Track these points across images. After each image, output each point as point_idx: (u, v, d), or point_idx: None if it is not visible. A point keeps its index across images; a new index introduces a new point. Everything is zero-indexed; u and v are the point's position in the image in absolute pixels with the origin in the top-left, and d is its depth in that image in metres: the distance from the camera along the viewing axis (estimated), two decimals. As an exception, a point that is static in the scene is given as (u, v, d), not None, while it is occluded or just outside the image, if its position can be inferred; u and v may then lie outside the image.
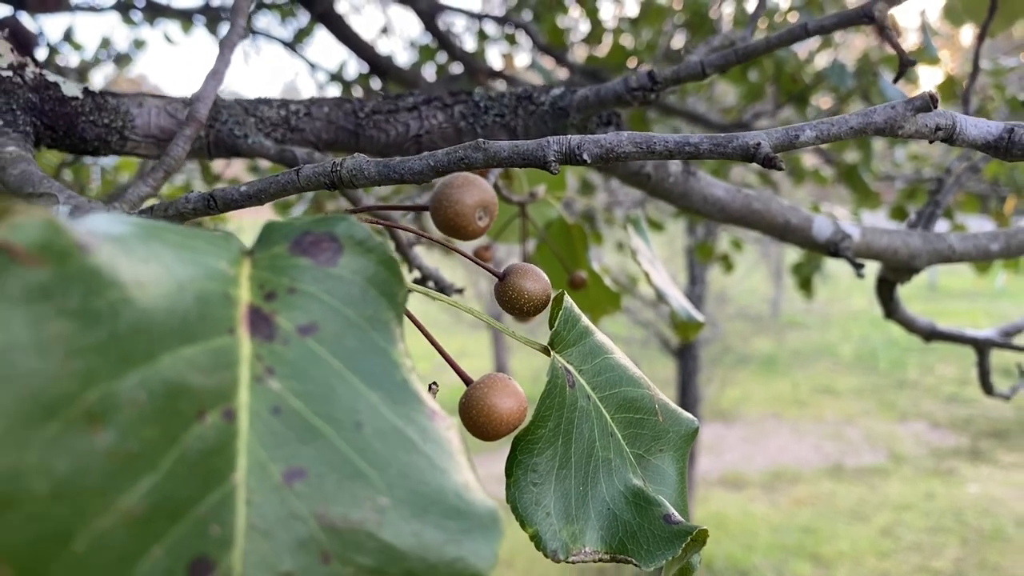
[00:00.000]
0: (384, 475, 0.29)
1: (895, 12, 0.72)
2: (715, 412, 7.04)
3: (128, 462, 0.25)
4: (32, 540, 0.23)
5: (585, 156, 0.45)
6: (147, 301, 0.27)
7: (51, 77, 0.72)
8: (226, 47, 0.68)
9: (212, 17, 2.72)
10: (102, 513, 0.24)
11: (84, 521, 0.24)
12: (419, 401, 0.31)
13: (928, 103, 0.44)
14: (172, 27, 3.08)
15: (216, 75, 0.67)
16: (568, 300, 0.49)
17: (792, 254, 5.81)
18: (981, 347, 1.13)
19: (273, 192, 0.51)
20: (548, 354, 0.48)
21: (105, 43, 3.02)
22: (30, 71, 0.71)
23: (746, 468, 6.03)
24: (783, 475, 5.90)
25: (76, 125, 0.73)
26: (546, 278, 0.50)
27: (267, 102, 0.80)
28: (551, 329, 0.49)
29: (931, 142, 0.46)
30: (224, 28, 2.61)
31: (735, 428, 6.90)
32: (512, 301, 0.50)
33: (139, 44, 3.13)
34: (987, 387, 1.18)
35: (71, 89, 0.73)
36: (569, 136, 0.45)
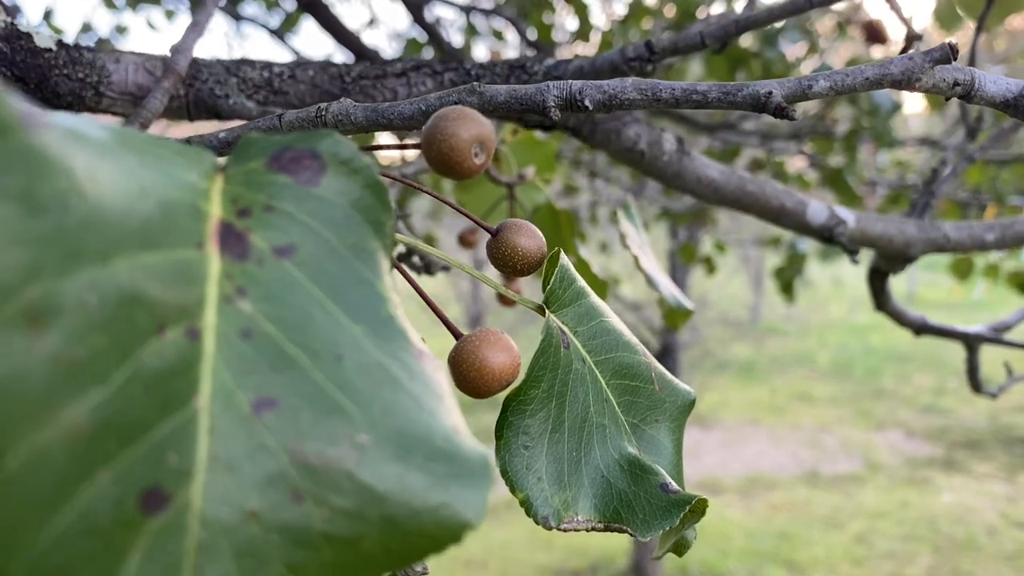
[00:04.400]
0: (366, 412, 0.26)
1: (883, 19, 0.71)
2: (693, 417, 7.03)
3: (74, 371, 0.22)
4: None
5: (587, 102, 0.42)
6: (102, 197, 0.23)
7: (23, 27, 0.69)
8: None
9: (195, 3, 2.68)
10: (41, 426, 0.21)
11: (18, 434, 0.21)
12: (405, 339, 0.28)
13: (948, 55, 0.42)
14: (155, 14, 3.03)
15: (197, 27, 0.64)
16: (564, 258, 0.46)
17: (773, 259, 5.81)
18: (971, 343, 1.11)
19: (252, 138, 0.48)
20: (543, 313, 0.45)
21: (86, 28, 2.96)
22: (0, 19, 0.68)
23: (723, 473, 6.02)
24: (759, 481, 5.90)
25: (49, 78, 0.70)
26: (541, 235, 0.48)
27: (250, 63, 0.77)
28: (545, 287, 0.46)
29: (947, 99, 0.43)
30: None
31: (713, 433, 6.90)
32: (505, 258, 0.47)
33: (121, 30, 3.08)
34: (975, 384, 1.16)
35: (44, 40, 0.70)
36: (570, 81, 0.42)
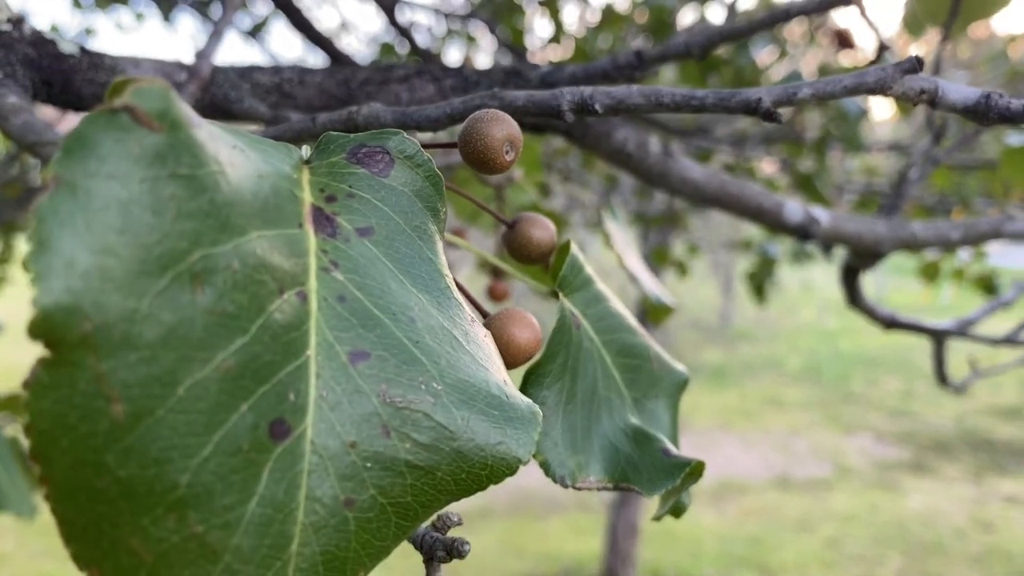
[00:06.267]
0: (435, 365, 0.31)
1: (852, 28, 0.76)
2: (664, 421, 7.03)
3: (224, 321, 0.27)
4: (144, 380, 0.25)
5: (597, 106, 0.47)
6: (237, 181, 0.29)
7: (48, 34, 0.73)
8: (228, 6, 0.69)
9: (167, 5, 2.68)
10: (202, 364, 0.26)
11: (187, 369, 0.26)
12: (461, 307, 0.34)
13: (915, 66, 0.47)
14: (125, 16, 3.03)
15: (218, 34, 0.69)
16: (574, 248, 0.51)
17: (743, 263, 5.88)
18: (938, 337, 1.18)
19: (288, 138, 0.53)
20: (556, 297, 0.50)
21: (54, 29, 2.96)
22: (28, 26, 0.72)
23: (694, 477, 6.04)
24: (731, 486, 5.94)
25: (73, 82, 0.74)
26: (553, 227, 0.53)
27: (260, 69, 0.82)
28: (556, 275, 0.51)
29: (915, 104, 0.49)
30: (179, 15, 2.59)
31: (684, 438, 6.87)
32: (521, 248, 0.52)
33: (89, 32, 3.07)
34: (942, 377, 1.23)
35: (68, 46, 0.74)
36: (582, 87, 0.47)
